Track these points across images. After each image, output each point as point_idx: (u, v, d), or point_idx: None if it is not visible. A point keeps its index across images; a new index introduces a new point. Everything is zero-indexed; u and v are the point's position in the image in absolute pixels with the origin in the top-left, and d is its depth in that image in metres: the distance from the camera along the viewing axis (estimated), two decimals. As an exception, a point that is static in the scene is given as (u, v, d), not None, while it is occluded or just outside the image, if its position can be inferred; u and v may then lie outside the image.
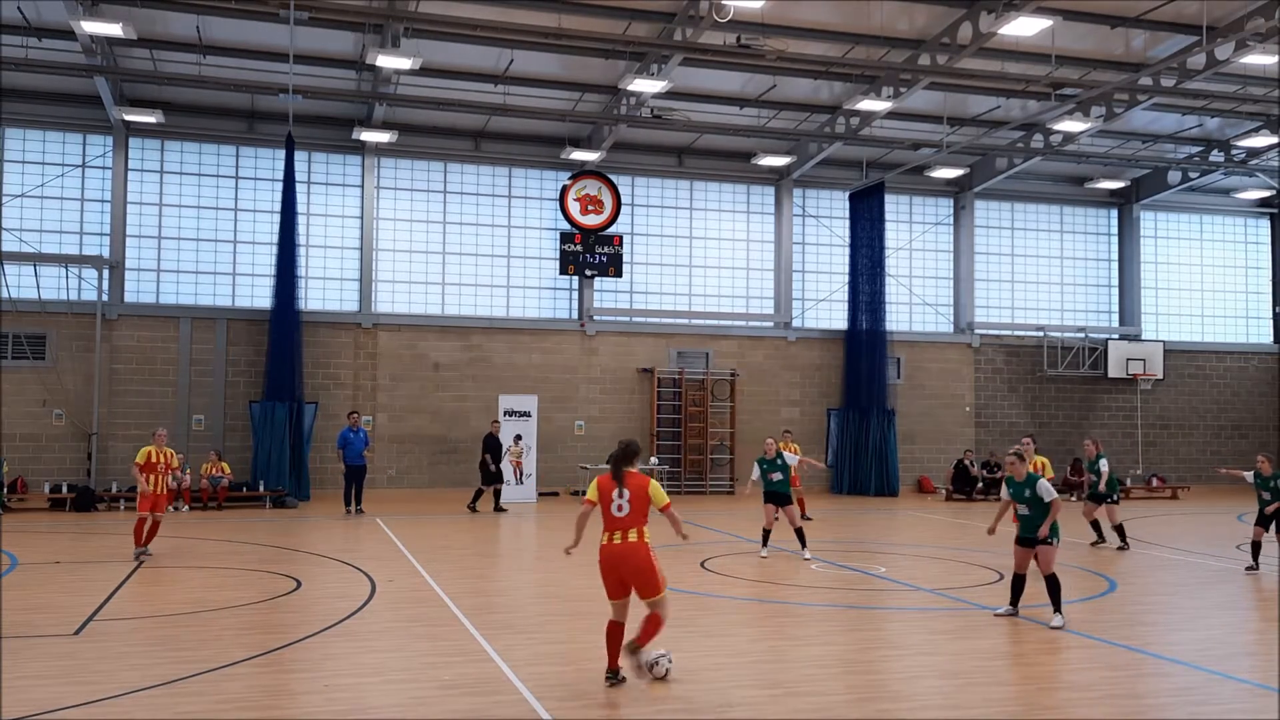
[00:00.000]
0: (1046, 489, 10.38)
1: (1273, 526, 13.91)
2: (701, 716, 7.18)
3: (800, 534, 14.80)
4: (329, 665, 8.53)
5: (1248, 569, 13.93)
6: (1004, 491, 10.81)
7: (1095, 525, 16.85)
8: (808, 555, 14.56)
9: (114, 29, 17.71)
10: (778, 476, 14.89)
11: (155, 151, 24.15)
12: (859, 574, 13.71)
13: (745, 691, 7.84)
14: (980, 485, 26.26)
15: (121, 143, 23.56)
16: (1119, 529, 16.34)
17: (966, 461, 26.74)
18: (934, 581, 13.00)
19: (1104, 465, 16.58)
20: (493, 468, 21.13)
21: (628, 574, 7.86)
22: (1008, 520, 10.93)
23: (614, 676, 7.88)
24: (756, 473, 15.10)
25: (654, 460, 25.36)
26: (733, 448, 26.62)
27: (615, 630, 7.91)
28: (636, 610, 7.95)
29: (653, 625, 7.87)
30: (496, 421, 21.94)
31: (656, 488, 8.12)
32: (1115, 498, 16.64)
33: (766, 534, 15.14)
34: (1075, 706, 7.51)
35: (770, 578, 13.31)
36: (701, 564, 14.14)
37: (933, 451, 28.04)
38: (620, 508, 7.91)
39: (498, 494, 21.22)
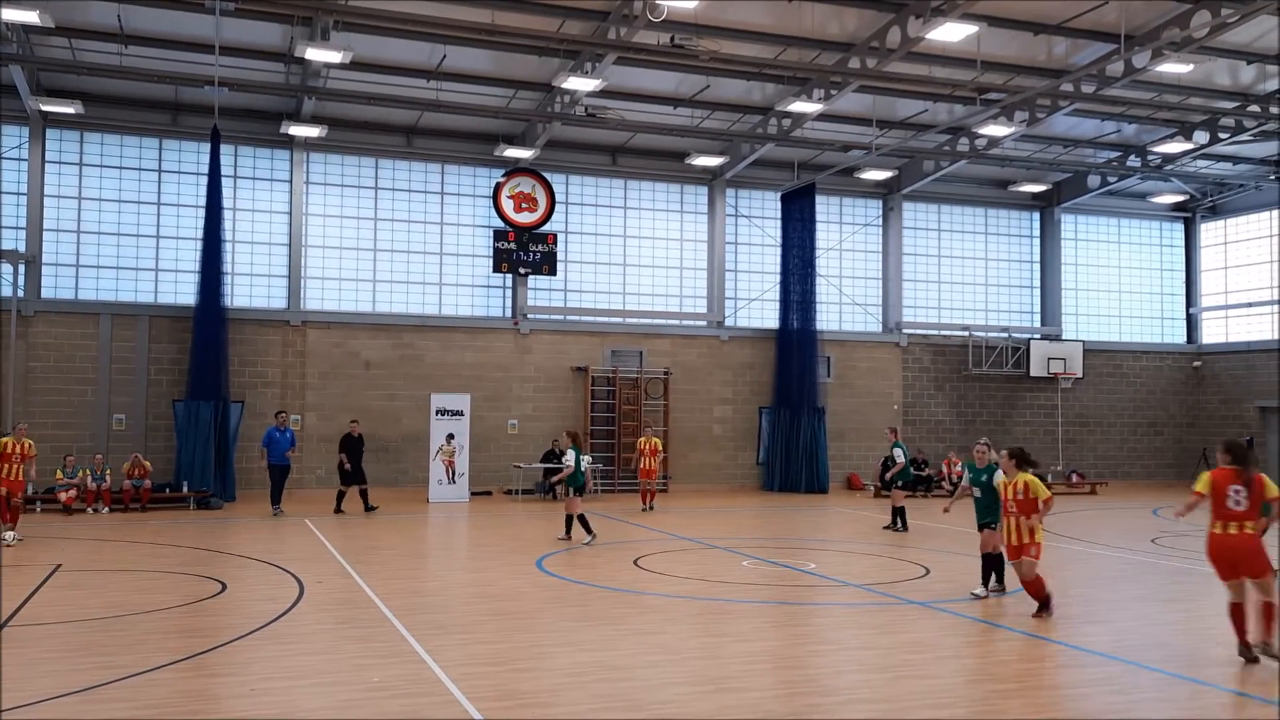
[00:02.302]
0: (1001, 478, 11.09)
1: None
2: (633, 715, 7.21)
3: (569, 522, 16.49)
4: (256, 668, 8.39)
5: None
6: (965, 477, 11.99)
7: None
8: (582, 541, 15.98)
9: (30, 16, 17.13)
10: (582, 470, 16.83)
11: (74, 143, 23.46)
12: (790, 570, 13.88)
13: (678, 688, 7.89)
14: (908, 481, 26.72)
15: (38, 134, 22.85)
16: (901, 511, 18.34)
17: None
18: (863, 577, 13.21)
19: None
20: (347, 466, 20.87)
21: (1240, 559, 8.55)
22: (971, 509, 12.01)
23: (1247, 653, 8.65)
24: (572, 459, 16.81)
25: (587, 459, 25.27)
26: (666, 446, 26.67)
27: (1236, 610, 8.67)
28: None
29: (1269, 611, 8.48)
30: (356, 422, 21.69)
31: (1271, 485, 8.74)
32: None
33: (569, 520, 16.62)
34: (999, 698, 7.70)
35: (703, 575, 13.41)
36: (634, 561, 14.18)
37: (862, 449, 28.46)
38: (1238, 502, 8.58)
39: (364, 494, 20.84)
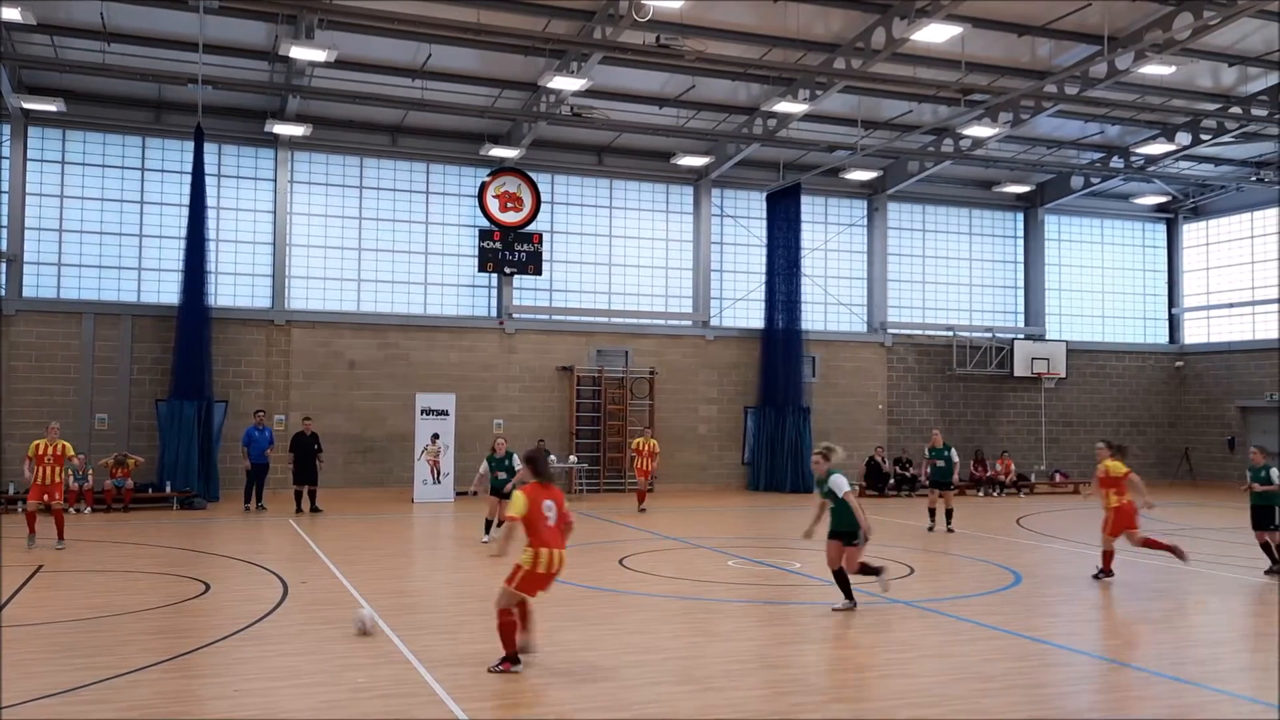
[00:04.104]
0: (839, 484, 10.59)
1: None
2: (618, 714, 7.22)
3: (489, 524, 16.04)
4: (239, 669, 8.36)
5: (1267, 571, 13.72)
6: (816, 493, 11.07)
7: (933, 513, 18.60)
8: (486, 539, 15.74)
9: (12, 13, 17.02)
10: (503, 475, 15.98)
11: (56, 141, 23.30)
12: (775, 570, 13.91)
13: (663, 688, 7.90)
14: (892, 481, 26.85)
15: (20, 132, 22.68)
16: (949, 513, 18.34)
17: (879, 458, 27.32)
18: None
19: (954, 454, 18.67)
20: (291, 466, 20.98)
21: None
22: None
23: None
24: (485, 468, 16.24)
25: (573, 459, 25.35)
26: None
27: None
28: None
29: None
30: (309, 419, 21.70)
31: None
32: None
33: (488, 522, 16.10)
34: (982, 696, 7.73)
35: (688, 575, 13.42)
36: (620, 561, 14.19)
37: (847, 449, 28.26)
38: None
39: (311, 494, 20.82)
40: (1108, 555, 13.05)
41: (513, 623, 8.20)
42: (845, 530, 10.63)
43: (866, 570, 10.77)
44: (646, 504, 21.67)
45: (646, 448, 22.05)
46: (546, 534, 8.18)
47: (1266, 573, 13.48)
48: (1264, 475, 13.73)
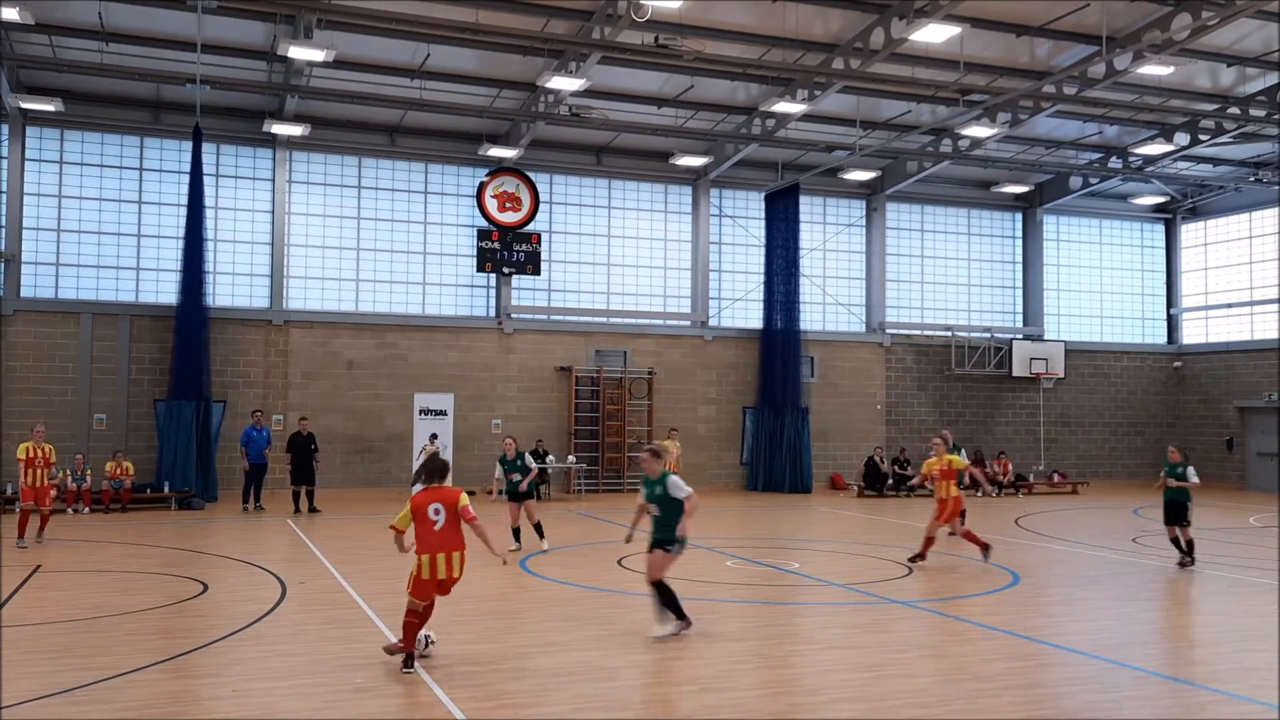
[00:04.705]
0: (677, 485, 9.47)
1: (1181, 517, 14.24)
2: (617, 715, 7.22)
3: (539, 528, 15.33)
4: (237, 670, 8.35)
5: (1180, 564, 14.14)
6: (640, 495, 9.79)
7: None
8: (546, 546, 15.10)
9: (11, 13, 17.01)
10: (516, 477, 15.33)
11: (54, 141, 23.28)
12: (773, 570, 13.91)
13: (660, 688, 7.90)
14: (891, 481, 26.86)
15: (18, 131, 22.66)
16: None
17: (877, 458, 27.33)
18: (846, 576, 13.25)
19: (963, 455, 18.77)
20: (289, 467, 21.09)
21: None
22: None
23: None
24: (499, 472, 15.61)
25: (571, 459, 25.35)
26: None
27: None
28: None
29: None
30: (305, 419, 21.84)
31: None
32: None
33: (516, 531, 15.39)
34: (980, 696, 7.74)
35: (686, 575, 13.40)
36: (618, 562, 14.18)
37: (845, 449, 28.54)
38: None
39: (309, 494, 20.93)
40: (929, 541, 14.08)
41: (413, 624, 8.26)
42: (666, 539, 9.46)
43: (669, 599, 9.37)
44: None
45: (676, 450, 22.20)
46: (431, 539, 8.26)
47: (1179, 565, 14.08)
48: (1180, 473, 14.21)
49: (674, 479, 9.55)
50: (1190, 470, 14.22)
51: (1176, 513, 14.20)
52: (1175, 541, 14.26)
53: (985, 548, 13.93)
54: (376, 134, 25.31)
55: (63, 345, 22.74)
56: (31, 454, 15.33)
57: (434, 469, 8.63)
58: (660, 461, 9.78)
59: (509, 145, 25.03)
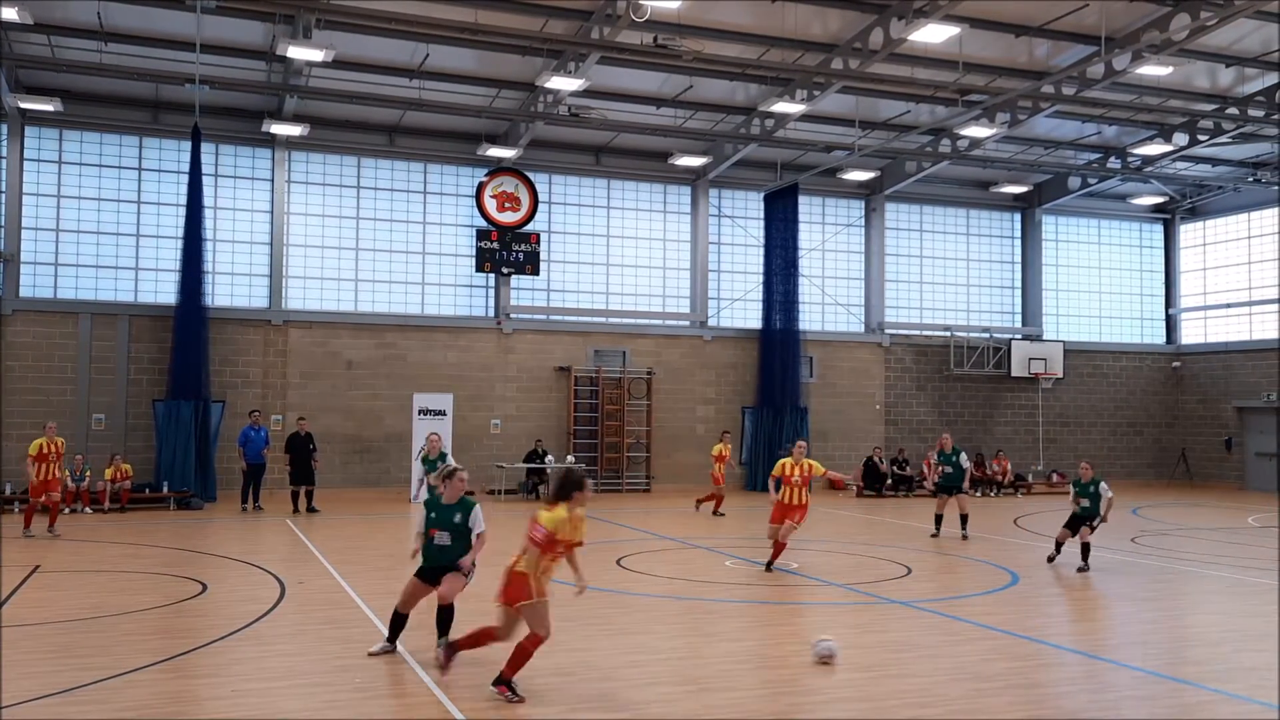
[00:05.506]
0: (480, 518, 8.79)
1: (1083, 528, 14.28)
2: (616, 715, 7.22)
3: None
4: (236, 670, 8.35)
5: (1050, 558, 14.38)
6: (423, 518, 8.89)
7: (939, 519, 17.72)
8: None
9: (9, 13, 17.00)
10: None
11: (53, 141, 23.27)
12: (773, 570, 13.90)
13: (661, 688, 7.90)
14: (889, 481, 26.87)
15: (17, 131, 22.64)
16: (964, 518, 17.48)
17: (876, 458, 27.32)
18: (845, 576, 13.25)
19: (964, 459, 17.81)
20: (288, 467, 21.13)
21: None
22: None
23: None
24: (421, 471, 15.27)
25: (570, 459, 25.33)
26: (649, 446, 26.76)
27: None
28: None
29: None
30: (303, 419, 21.89)
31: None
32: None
33: None
34: (980, 696, 7.74)
35: (686, 575, 13.41)
36: (618, 561, 14.18)
37: (844, 449, 28.53)
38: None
39: (309, 494, 20.98)
40: (780, 546, 13.71)
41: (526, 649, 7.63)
42: (445, 566, 8.74)
43: (452, 647, 8.15)
44: (642, 503, 21.57)
45: (725, 451, 21.93)
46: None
47: (1049, 559, 14.25)
48: (1093, 491, 14.13)
49: (477, 510, 8.73)
50: (1103, 485, 14.10)
51: (1079, 522, 14.11)
52: (1060, 544, 14.24)
53: (775, 555, 13.56)
54: (375, 134, 25.30)
55: (62, 345, 22.72)
56: (45, 450, 16.16)
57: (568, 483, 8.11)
58: (463, 485, 8.87)
59: (508, 145, 25.03)
